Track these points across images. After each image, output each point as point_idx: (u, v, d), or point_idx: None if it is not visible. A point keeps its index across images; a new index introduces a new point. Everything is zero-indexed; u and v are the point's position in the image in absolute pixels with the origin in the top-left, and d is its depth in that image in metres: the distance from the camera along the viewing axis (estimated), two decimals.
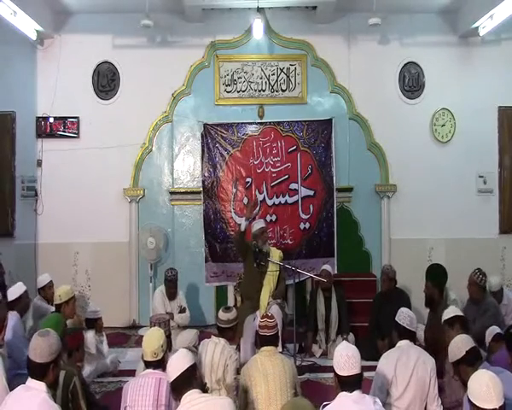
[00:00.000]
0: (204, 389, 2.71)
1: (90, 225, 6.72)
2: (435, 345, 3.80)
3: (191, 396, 2.49)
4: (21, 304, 4.38)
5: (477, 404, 2.28)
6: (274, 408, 3.15)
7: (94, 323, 5.07)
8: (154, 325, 3.60)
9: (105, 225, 6.74)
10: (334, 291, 5.63)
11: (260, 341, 3.46)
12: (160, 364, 2.99)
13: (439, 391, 3.27)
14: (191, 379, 2.55)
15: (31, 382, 2.59)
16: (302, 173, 6.63)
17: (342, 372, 2.56)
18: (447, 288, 4.91)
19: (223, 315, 3.87)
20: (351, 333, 5.54)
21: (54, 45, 6.77)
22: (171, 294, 5.70)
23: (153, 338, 3.02)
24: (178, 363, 2.55)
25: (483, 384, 2.28)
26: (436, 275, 4.81)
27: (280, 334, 4.96)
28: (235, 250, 6.42)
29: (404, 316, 3.35)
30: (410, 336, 3.35)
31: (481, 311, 4.69)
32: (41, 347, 2.58)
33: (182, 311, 5.66)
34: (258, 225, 5.61)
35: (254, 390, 3.20)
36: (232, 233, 6.50)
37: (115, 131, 6.76)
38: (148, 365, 2.98)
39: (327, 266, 5.74)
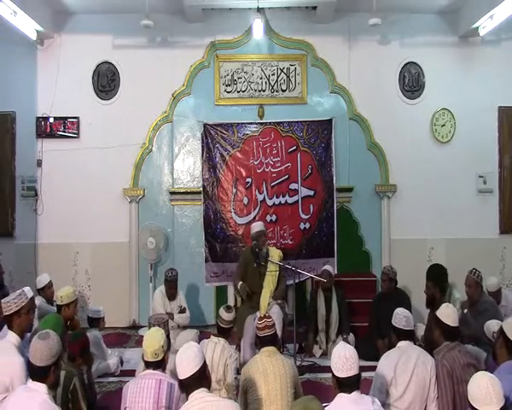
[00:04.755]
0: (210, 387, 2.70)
1: (90, 225, 6.73)
2: (435, 345, 3.80)
3: (199, 395, 2.48)
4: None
5: (477, 407, 2.27)
6: (274, 408, 3.16)
7: (96, 322, 5.07)
8: (154, 326, 3.59)
9: (105, 225, 6.74)
10: (335, 291, 5.63)
11: (261, 342, 3.45)
12: (161, 364, 2.99)
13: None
14: (201, 379, 2.54)
15: (31, 383, 2.59)
16: (302, 173, 6.63)
17: (340, 374, 2.56)
18: (452, 286, 4.91)
19: (226, 315, 3.87)
20: (351, 333, 5.55)
21: (54, 45, 6.77)
22: (172, 294, 5.70)
23: (153, 338, 3.01)
24: (189, 364, 2.51)
25: (483, 387, 2.27)
26: (437, 275, 4.81)
27: (280, 335, 5.00)
28: (235, 250, 6.45)
29: (399, 318, 3.34)
30: (409, 336, 3.35)
31: (480, 309, 4.69)
32: (41, 350, 2.57)
33: (182, 311, 5.66)
34: (256, 228, 5.63)
35: (255, 390, 3.20)
36: (232, 233, 6.52)
37: (115, 132, 6.76)
38: (148, 365, 2.98)
39: (328, 267, 5.76)
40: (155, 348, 2.94)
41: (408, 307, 4.40)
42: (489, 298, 4.95)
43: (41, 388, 2.55)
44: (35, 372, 2.58)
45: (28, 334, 3.59)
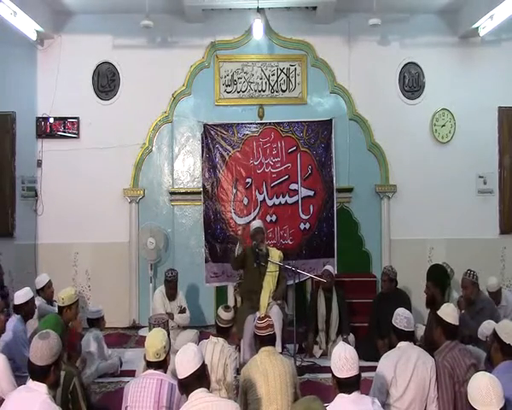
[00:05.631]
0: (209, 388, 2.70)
1: (90, 225, 6.73)
2: (435, 345, 3.80)
3: (199, 395, 2.48)
4: (27, 309, 4.37)
5: (477, 408, 2.26)
6: (274, 408, 3.16)
7: (96, 322, 5.07)
8: (154, 326, 3.59)
9: (105, 225, 6.74)
10: (335, 291, 5.64)
11: (261, 341, 3.45)
12: (162, 365, 2.98)
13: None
14: (201, 379, 2.55)
15: (31, 383, 2.59)
16: (302, 174, 6.62)
17: (340, 374, 2.56)
18: (451, 287, 4.92)
19: (225, 315, 3.88)
20: (351, 333, 5.55)
21: (54, 46, 6.77)
22: (171, 294, 5.70)
23: (156, 339, 3.01)
24: (189, 362, 2.52)
25: (483, 387, 2.26)
26: (437, 275, 4.81)
27: (280, 335, 4.99)
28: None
29: (400, 319, 3.33)
30: (410, 336, 3.34)
31: (477, 309, 4.70)
32: (42, 349, 2.57)
33: (182, 311, 5.66)
34: (254, 225, 5.68)
35: (255, 390, 3.20)
36: (232, 233, 6.51)
37: (115, 132, 6.76)
38: (149, 365, 2.98)
39: (329, 267, 5.77)
40: (157, 349, 2.95)
41: (408, 307, 4.39)
42: (486, 297, 4.97)
43: (41, 388, 2.55)
44: (35, 372, 2.58)
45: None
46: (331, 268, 5.78)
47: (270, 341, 3.43)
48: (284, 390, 3.21)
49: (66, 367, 3.10)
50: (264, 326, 3.45)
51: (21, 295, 4.34)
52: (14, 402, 2.55)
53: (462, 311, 4.78)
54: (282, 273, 5.54)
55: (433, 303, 4.59)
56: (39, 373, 2.57)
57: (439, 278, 4.78)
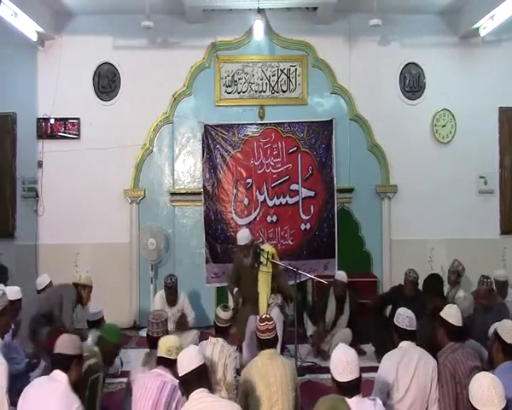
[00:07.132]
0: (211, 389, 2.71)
1: (91, 226, 6.73)
2: (438, 346, 3.80)
3: (198, 395, 2.49)
4: (13, 309, 4.33)
5: (478, 408, 2.25)
6: None
7: (97, 324, 5.06)
8: (152, 324, 3.60)
9: (106, 226, 6.74)
10: (348, 296, 5.52)
11: (261, 344, 3.43)
12: (172, 364, 2.92)
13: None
14: (201, 378, 2.55)
15: (55, 373, 2.70)
16: (303, 174, 6.62)
17: (341, 378, 2.55)
18: (460, 284, 4.97)
19: (224, 314, 3.87)
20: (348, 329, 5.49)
21: (54, 46, 6.77)
22: (171, 300, 5.63)
23: (171, 338, 3.12)
24: (190, 359, 2.56)
25: (484, 387, 2.26)
26: (433, 286, 4.91)
27: (281, 337, 4.96)
28: (235, 251, 6.42)
29: (402, 318, 3.33)
30: (411, 336, 3.34)
31: (492, 317, 4.67)
32: (66, 340, 2.79)
33: (180, 320, 5.59)
34: (239, 240, 5.34)
35: (255, 393, 3.18)
36: (233, 234, 6.49)
37: (116, 132, 6.76)
38: (159, 361, 3.00)
39: (340, 276, 5.52)
40: (170, 345, 3.00)
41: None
42: (501, 302, 5.01)
43: (63, 378, 2.65)
44: (58, 361, 2.72)
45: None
46: (344, 276, 5.51)
47: (270, 344, 3.39)
48: (285, 393, 3.19)
49: (96, 361, 3.21)
50: (263, 329, 3.40)
51: (10, 294, 4.30)
52: (35, 391, 2.65)
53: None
54: (277, 269, 5.32)
55: (438, 311, 4.59)
56: (62, 362, 2.70)
57: (435, 287, 4.86)
